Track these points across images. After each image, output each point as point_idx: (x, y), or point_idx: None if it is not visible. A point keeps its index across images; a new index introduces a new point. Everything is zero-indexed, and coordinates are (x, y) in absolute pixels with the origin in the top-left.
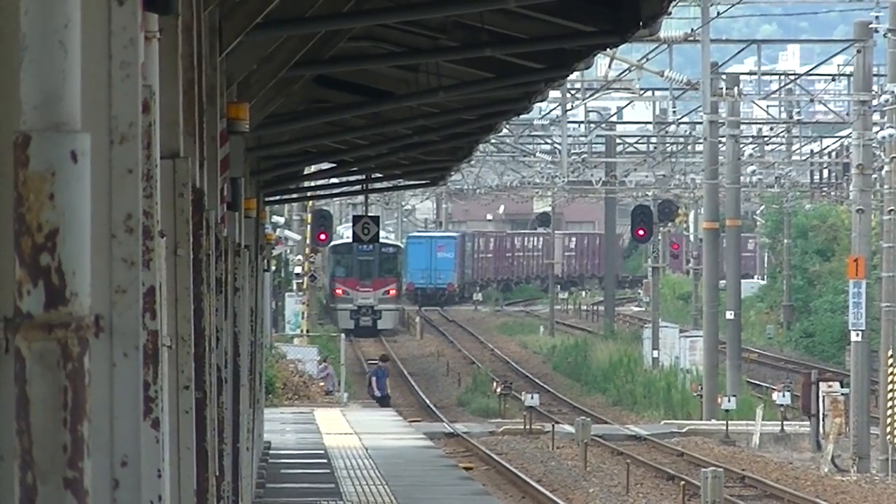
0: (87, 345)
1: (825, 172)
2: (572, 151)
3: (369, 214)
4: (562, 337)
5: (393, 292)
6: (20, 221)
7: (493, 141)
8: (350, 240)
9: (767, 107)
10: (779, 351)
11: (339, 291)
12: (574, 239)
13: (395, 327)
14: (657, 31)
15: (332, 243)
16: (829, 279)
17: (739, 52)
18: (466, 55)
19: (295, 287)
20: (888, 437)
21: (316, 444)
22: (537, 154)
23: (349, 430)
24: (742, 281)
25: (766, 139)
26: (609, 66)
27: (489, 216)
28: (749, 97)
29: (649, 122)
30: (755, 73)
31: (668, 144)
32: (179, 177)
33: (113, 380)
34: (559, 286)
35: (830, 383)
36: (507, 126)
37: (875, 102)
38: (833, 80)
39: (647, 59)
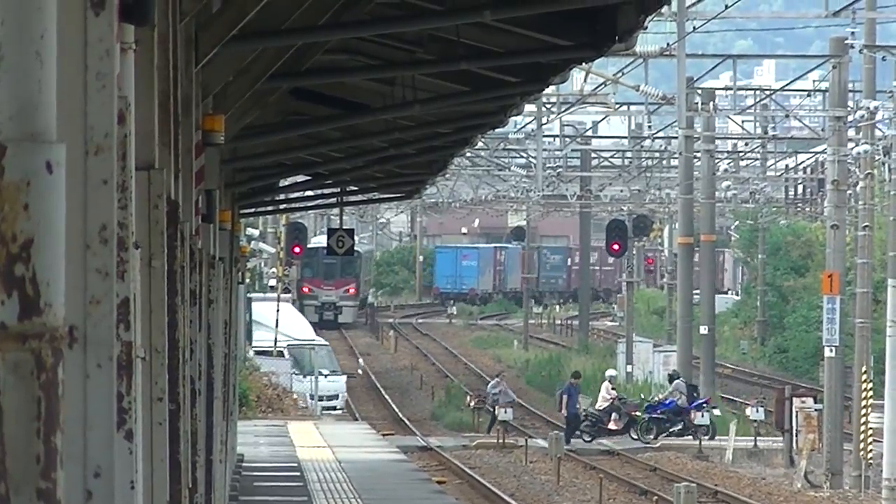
0: (61, 355)
1: (800, 188)
2: (547, 165)
3: (344, 227)
4: (535, 351)
5: (352, 290)
6: None
7: (468, 154)
8: (317, 245)
9: (742, 122)
10: (752, 366)
11: (305, 289)
12: None
13: (355, 321)
14: (633, 45)
15: None
16: (803, 295)
17: (715, 67)
18: (442, 68)
19: None
20: (861, 453)
21: (289, 456)
22: (512, 168)
23: (322, 444)
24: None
25: (741, 154)
26: (585, 81)
27: (464, 230)
28: (724, 112)
29: (624, 137)
30: (730, 89)
31: (643, 159)
32: (154, 188)
33: (87, 391)
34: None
35: (804, 399)
36: (483, 140)
37: (850, 118)
38: (808, 95)
39: (623, 74)
